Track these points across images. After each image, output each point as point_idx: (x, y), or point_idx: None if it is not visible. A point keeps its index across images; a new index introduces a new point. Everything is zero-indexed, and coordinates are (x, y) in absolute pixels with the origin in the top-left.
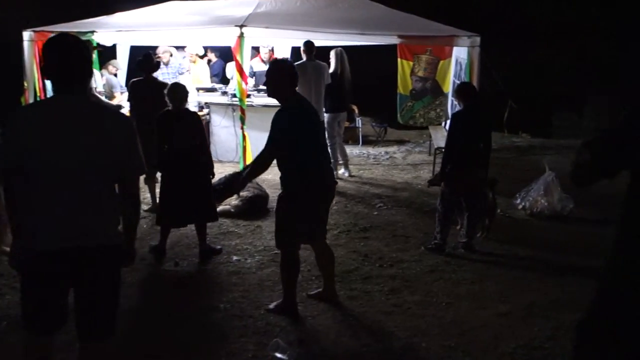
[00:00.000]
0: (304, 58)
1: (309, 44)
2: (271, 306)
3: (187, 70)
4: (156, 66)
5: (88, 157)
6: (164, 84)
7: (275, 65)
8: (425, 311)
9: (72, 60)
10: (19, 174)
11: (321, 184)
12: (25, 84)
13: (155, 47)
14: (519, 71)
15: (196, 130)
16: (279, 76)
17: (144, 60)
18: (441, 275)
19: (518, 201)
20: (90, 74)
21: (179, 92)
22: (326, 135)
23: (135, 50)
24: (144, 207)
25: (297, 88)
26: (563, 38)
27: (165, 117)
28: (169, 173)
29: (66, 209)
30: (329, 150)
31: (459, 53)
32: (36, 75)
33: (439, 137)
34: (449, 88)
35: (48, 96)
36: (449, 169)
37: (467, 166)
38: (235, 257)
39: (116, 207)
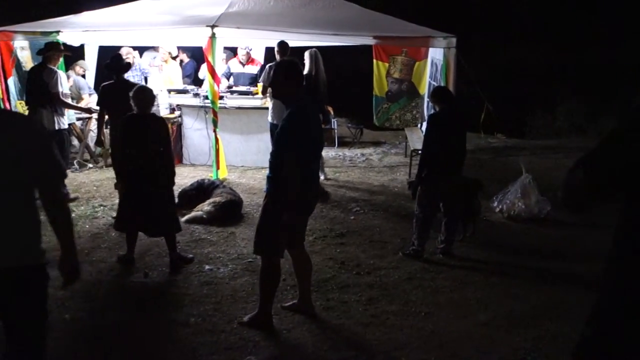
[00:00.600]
0: (278, 59)
1: (282, 45)
2: (245, 319)
3: (158, 67)
4: (127, 67)
5: (8, 171)
6: (135, 85)
7: (282, 65)
8: (404, 322)
9: None
10: None
11: (313, 192)
12: None
13: (124, 49)
14: (493, 71)
15: (161, 136)
16: (286, 77)
17: (113, 61)
18: (420, 283)
19: (495, 204)
20: None
21: (145, 96)
22: None
23: (103, 51)
24: (106, 202)
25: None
26: (537, 39)
27: (129, 121)
28: (130, 179)
29: None
30: None
31: (435, 54)
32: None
33: (415, 138)
34: (424, 90)
35: (12, 99)
36: (426, 174)
37: (445, 170)
38: (207, 267)
39: (35, 222)
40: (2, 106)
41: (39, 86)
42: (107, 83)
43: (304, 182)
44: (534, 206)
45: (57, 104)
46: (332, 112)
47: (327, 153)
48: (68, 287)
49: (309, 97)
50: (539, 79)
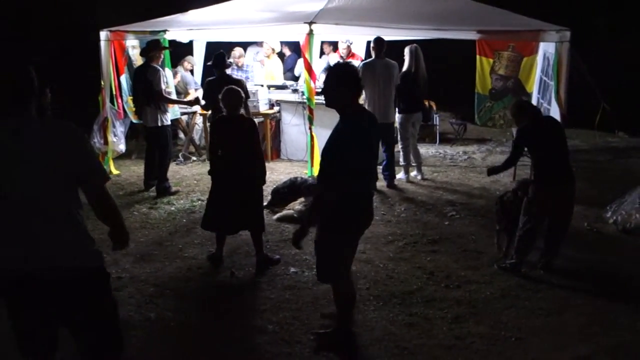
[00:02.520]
0: (373, 56)
1: (378, 41)
2: (321, 332)
3: (260, 62)
4: (228, 65)
5: (41, 176)
6: (238, 80)
7: (337, 70)
8: (491, 348)
9: (17, 81)
10: None
11: (361, 211)
12: (102, 83)
13: (231, 44)
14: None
15: (249, 137)
16: (338, 83)
17: (216, 59)
18: (513, 302)
19: (609, 214)
20: (34, 93)
21: (233, 97)
22: (398, 137)
23: (211, 47)
24: (204, 197)
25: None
26: None
27: (219, 122)
28: (220, 178)
29: (25, 231)
30: (402, 153)
31: (547, 47)
32: (112, 74)
33: None
34: (533, 87)
35: (123, 94)
36: (536, 188)
37: (557, 179)
38: (292, 269)
39: (80, 225)
40: (115, 102)
41: (143, 85)
42: (211, 78)
43: (350, 200)
44: None
45: (161, 102)
46: (434, 108)
47: (427, 151)
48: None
49: (364, 108)
50: None
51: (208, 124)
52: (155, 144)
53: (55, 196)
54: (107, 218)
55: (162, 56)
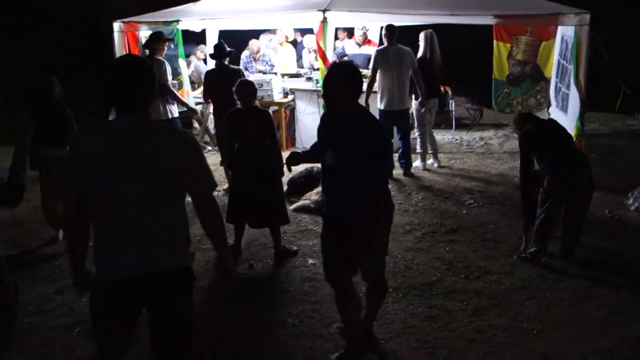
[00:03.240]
0: (385, 43)
1: (390, 28)
2: (338, 326)
3: (273, 49)
4: (228, 54)
5: (153, 180)
6: (236, 70)
7: (338, 70)
8: (512, 340)
9: (142, 81)
10: (83, 202)
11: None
12: None
13: (243, 32)
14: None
15: (266, 129)
16: (343, 84)
17: (215, 50)
18: (534, 293)
19: (630, 201)
20: (154, 96)
21: (247, 89)
22: (415, 124)
23: (223, 35)
24: (220, 188)
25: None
26: None
27: (234, 115)
28: (238, 172)
29: (134, 235)
30: (418, 140)
31: (566, 30)
32: None
33: None
34: (551, 72)
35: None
36: (550, 178)
37: (572, 164)
38: (310, 261)
39: (185, 228)
40: None
41: None
42: (209, 69)
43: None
44: None
45: (167, 94)
46: (450, 93)
47: (443, 137)
48: (229, 287)
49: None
50: None
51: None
52: None
53: (165, 200)
54: (211, 231)
55: (165, 48)
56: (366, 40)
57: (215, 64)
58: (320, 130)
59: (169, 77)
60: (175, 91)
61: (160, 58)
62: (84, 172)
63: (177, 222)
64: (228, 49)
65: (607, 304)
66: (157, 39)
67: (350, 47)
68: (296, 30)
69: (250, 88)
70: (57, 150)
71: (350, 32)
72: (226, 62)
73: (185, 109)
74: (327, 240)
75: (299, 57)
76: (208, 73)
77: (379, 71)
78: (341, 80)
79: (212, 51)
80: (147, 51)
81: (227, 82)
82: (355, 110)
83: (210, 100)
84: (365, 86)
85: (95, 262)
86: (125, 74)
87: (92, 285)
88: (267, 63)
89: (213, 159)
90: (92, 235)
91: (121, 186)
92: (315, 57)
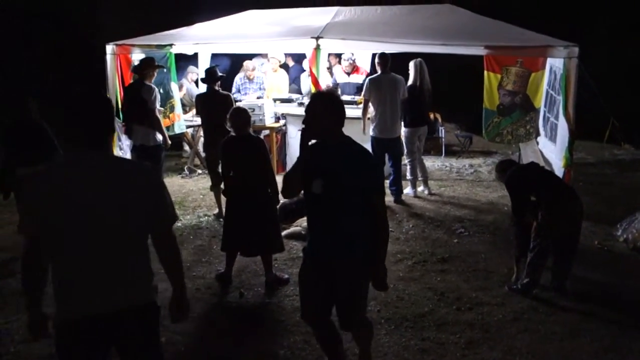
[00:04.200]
0: (379, 71)
1: (383, 57)
2: None
3: (264, 74)
4: (219, 78)
5: (115, 218)
6: (226, 95)
7: (321, 100)
8: None
9: (105, 118)
10: (43, 240)
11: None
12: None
13: (235, 55)
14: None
15: (260, 156)
16: (328, 113)
17: (207, 75)
18: (527, 326)
19: (619, 232)
20: (112, 127)
21: (241, 117)
22: (405, 151)
23: (216, 56)
24: (211, 212)
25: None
26: None
27: (228, 143)
28: (233, 200)
29: (97, 273)
30: (408, 167)
31: (554, 61)
32: (118, 88)
33: (529, 152)
34: (541, 102)
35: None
36: (543, 212)
37: (565, 195)
38: None
39: (148, 262)
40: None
41: (137, 103)
42: (200, 93)
43: None
44: None
45: (153, 121)
46: (439, 119)
47: (433, 163)
48: (177, 323)
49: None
50: None
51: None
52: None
53: (127, 237)
54: (172, 267)
55: (156, 74)
56: (354, 69)
57: (207, 88)
58: (306, 161)
59: (157, 104)
60: (160, 119)
61: (150, 84)
62: (40, 214)
63: (140, 257)
64: (219, 74)
65: (599, 338)
66: (148, 65)
67: (339, 76)
68: (287, 55)
69: (243, 116)
70: (34, 168)
71: (338, 57)
72: (217, 87)
73: (175, 132)
74: (306, 280)
75: (291, 81)
76: (198, 96)
77: (371, 99)
78: (326, 108)
79: (203, 75)
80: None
81: (217, 107)
82: (341, 138)
83: (202, 122)
84: (360, 114)
85: (56, 301)
86: (88, 109)
87: (50, 328)
88: (260, 86)
89: (203, 182)
90: (51, 274)
91: (82, 225)
92: None
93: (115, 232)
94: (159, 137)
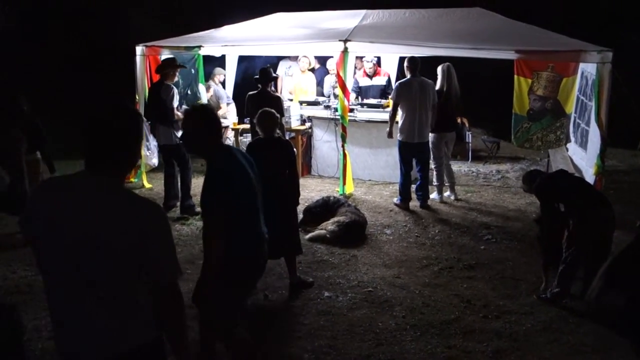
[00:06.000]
0: (408, 75)
1: (413, 61)
2: None
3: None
4: (273, 79)
5: (111, 258)
6: (276, 97)
7: (194, 115)
8: None
9: (123, 138)
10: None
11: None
12: (137, 97)
13: (263, 57)
14: None
15: (285, 159)
16: (199, 127)
17: (261, 75)
18: (556, 336)
19: None
20: (134, 151)
21: (269, 120)
22: (431, 157)
23: (243, 59)
24: None
25: (399, 106)
26: None
27: (255, 145)
28: None
29: (76, 318)
30: (434, 173)
31: (586, 66)
32: (147, 89)
33: (559, 158)
34: (572, 108)
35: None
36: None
37: (593, 206)
38: (326, 293)
39: (147, 304)
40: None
41: (157, 103)
42: (252, 92)
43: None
44: None
45: (173, 120)
46: (466, 125)
47: (459, 169)
48: None
49: (234, 147)
50: None
51: (240, 138)
52: (173, 161)
53: (119, 281)
54: (171, 330)
55: (177, 74)
56: (376, 71)
57: (259, 88)
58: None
59: (176, 103)
60: (180, 116)
61: (169, 84)
62: (29, 233)
63: (140, 299)
64: (273, 74)
65: (631, 351)
66: (168, 65)
67: (361, 80)
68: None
69: (271, 118)
70: (30, 155)
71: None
72: (269, 88)
73: None
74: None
75: (318, 83)
76: (250, 96)
77: (400, 103)
78: (202, 124)
79: (256, 77)
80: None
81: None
82: (219, 147)
83: (247, 119)
84: (387, 117)
85: (56, 346)
86: (96, 128)
87: None
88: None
89: None
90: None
91: (58, 262)
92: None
93: (107, 272)
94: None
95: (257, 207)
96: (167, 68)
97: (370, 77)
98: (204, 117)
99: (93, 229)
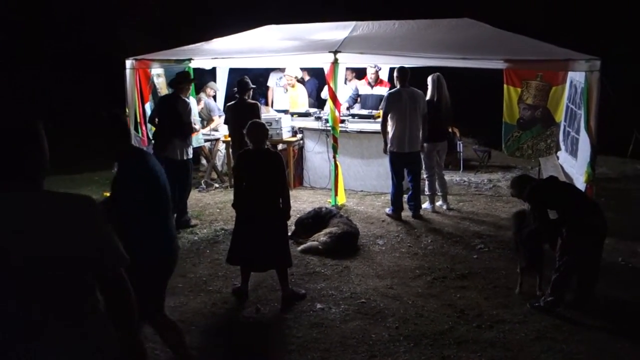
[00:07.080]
0: (398, 85)
1: (402, 71)
2: None
3: (283, 87)
4: (250, 89)
5: (46, 266)
6: (252, 104)
7: (104, 120)
8: None
9: (25, 148)
10: None
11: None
12: (127, 111)
13: (252, 70)
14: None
15: (276, 170)
16: (107, 130)
17: (238, 85)
18: (550, 345)
19: None
20: (44, 162)
21: (259, 131)
22: (423, 167)
23: (234, 72)
24: (228, 226)
25: (389, 116)
26: None
27: (244, 156)
28: (244, 213)
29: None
30: (426, 182)
31: (574, 75)
32: (137, 102)
33: (549, 166)
34: (561, 117)
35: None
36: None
37: (585, 214)
38: (319, 305)
39: (103, 320)
40: (140, 129)
41: (173, 117)
42: (230, 103)
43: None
44: None
45: (188, 134)
46: (457, 134)
47: (451, 178)
48: None
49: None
50: None
51: (231, 150)
52: (176, 177)
53: (69, 287)
54: (118, 318)
55: (191, 88)
56: (378, 81)
57: (237, 98)
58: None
59: (192, 117)
60: (197, 129)
61: (185, 98)
62: None
63: (89, 312)
64: (250, 85)
65: (625, 359)
66: (184, 79)
67: (362, 88)
68: (303, 69)
69: (261, 130)
70: None
71: (359, 72)
72: (246, 97)
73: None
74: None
75: (309, 95)
76: (228, 107)
77: (390, 114)
78: (111, 131)
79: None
80: (159, 88)
81: (246, 115)
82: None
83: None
84: (378, 128)
85: None
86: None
87: None
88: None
89: (220, 196)
90: None
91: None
92: None
93: (44, 278)
94: (190, 151)
95: (167, 208)
96: (182, 82)
97: (372, 85)
98: (116, 122)
99: (38, 233)
